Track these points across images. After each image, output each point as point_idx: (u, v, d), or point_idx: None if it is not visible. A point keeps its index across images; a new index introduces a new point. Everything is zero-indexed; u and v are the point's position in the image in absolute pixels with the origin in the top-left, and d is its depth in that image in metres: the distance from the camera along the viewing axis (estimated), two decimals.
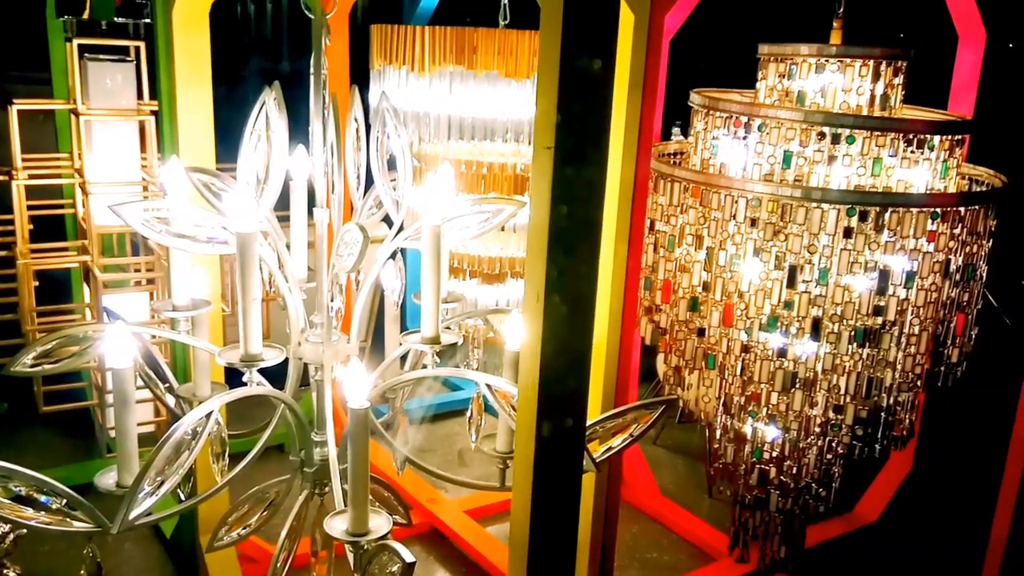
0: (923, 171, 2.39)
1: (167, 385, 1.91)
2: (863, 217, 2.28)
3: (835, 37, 2.57)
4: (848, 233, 2.29)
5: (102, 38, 3.58)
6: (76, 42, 3.53)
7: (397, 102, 3.30)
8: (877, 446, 2.52)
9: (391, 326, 2.08)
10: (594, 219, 1.21)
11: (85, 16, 3.43)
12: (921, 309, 2.38)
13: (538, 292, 1.16)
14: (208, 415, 1.50)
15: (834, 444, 2.57)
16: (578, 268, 1.17)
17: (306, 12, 2.01)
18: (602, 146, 1.22)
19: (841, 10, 2.54)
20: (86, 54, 3.60)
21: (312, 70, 1.95)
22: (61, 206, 4.23)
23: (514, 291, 3.58)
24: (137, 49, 3.64)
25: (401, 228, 1.92)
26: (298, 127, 1.91)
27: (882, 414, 2.49)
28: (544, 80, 1.16)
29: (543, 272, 1.14)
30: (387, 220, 1.95)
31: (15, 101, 3.66)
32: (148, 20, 3.39)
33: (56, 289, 4.54)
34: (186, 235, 1.74)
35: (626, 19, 2.21)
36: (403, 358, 2.01)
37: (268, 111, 1.88)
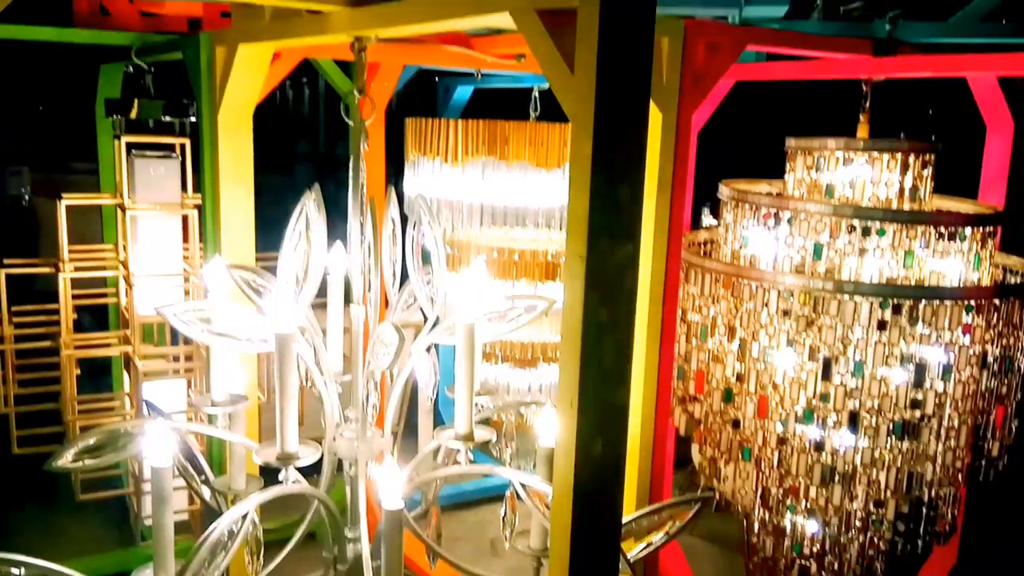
0: (956, 262, 2.39)
1: (203, 477, 1.93)
2: (897, 310, 2.28)
3: (862, 131, 2.61)
4: (882, 326, 2.28)
5: (149, 135, 3.72)
6: (124, 140, 3.68)
7: (430, 190, 3.38)
8: (919, 541, 2.46)
9: (424, 418, 2.10)
10: (626, 324, 1.23)
11: (133, 115, 3.57)
12: (959, 402, 2.35)
13: (572, 398, 1.17)
14: (244, 516, 1.51)
15: (876, 539, 2.51)
16: (612, 375, 1.19)
17: (345, 118, 2.09)
18: (633, 252, 1.25)
19: (867, 104, 2.58)
20: (133, 151, 3.74)
21: (351, 173, 2.02)
22: (104, 295, 4.33)
23: (546, 376, 3.58)
24: (182, 146, 3.78)
25: (436, 322, 1.95)
26: (335, 210, 1.95)
27: (924, 509, 2.43)
28: (575, 190, 1.20)
29: (577, 378, 1.16)
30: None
31: (64, 196, 3.80)
32: (193, 119, 3.52)
33: (96, 373, 4.61)
34: (226, 334, 1.78)
35: (655, 118, 2.26)
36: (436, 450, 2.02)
37: (308, 212, 1.94)
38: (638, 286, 1.30)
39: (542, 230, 3.43)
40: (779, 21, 2.47)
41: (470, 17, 1.48)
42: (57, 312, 3.85)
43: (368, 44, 1.90)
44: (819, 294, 2.35)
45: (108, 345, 3.92)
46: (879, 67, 2.55)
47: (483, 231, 3.45)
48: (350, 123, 2.06)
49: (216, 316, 1.76)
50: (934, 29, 2.66)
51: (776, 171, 2.84)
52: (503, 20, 1.44)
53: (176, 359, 3.88)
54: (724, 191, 2.76)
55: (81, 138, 5.23)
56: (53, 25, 3.55)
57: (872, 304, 2.28)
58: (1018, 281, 2.59)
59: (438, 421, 2.10)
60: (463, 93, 5.44)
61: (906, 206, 2.51)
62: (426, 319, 1.97)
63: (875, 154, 2.48)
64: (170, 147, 3.80)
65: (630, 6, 1.19)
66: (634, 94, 1.21)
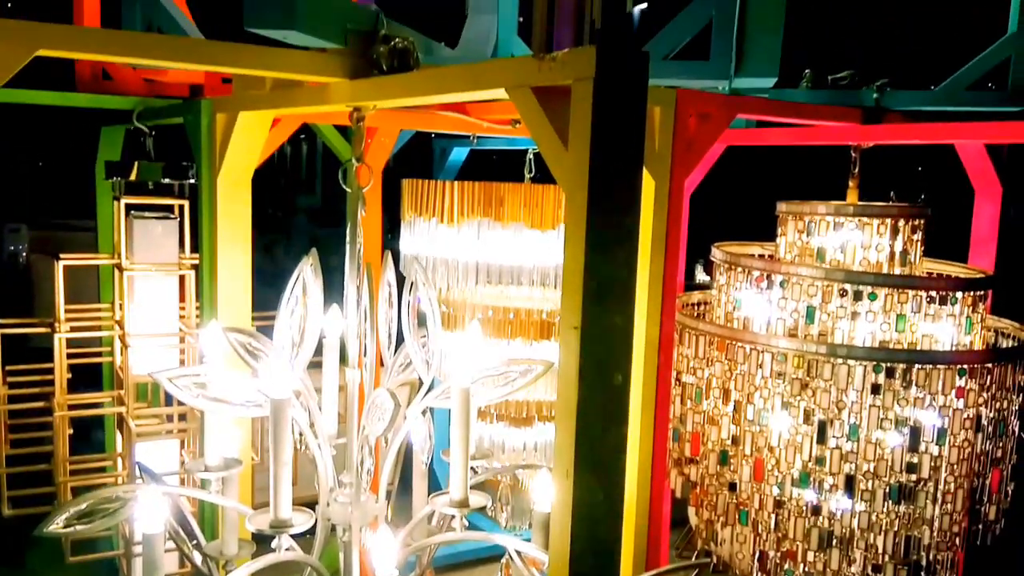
0: (948, 326, 2.41)
1: (195, 542, 1.91)
2: (890, 373, 2.29)
3: (852, 196, 2.65)
4: (876, 389, 2.29)
5: (148, 197, 3.75)
6: (123, 201, 3.71)
7: (426, 250, 3.41)
8: None
9: (419, 481, 2.09)
10: (621, 393, 1.24)
11: (132, 178, 3.61)
12: (955, 466, 2.35)
13: (567, 469, 1.18)
14: None
15: None
16: (609, 443, 1.19)
17: (342, 185, 2.12)
18: (627, 323, 1.27)
19: (856, 170, 2.62)
20: (132, 211, 3.78)
21: (348, 238, 2.04)
22: (99, 354, 4.32)
23: (542, 434, 3.57)
24: (181, 207, 3.81)
25: (432, 386, 1.95)
26: (331, 264, 1.97)
27: (921, 573, 2.41)
28: (570, 263, 1.22)
29: (572, 450, 1.16)
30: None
31: (62, 256, 3.82)
32: (192, 181, 3.56)
33: (89, 432, 4.58)
34: (221, 399, 1.78)
35: (648, 184, 2.30)
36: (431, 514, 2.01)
37: (305, 277, 1.96)
38: (632, 353, 1.32)
39: (537, 288, 3.45)
40: (768, 91, 2.53)
41: (467, 92, 1.52)
42: (51, 371, 3.84)
43: (367, 114, 1.94)
44: (813, 357, 2.36)
45: (101, 405, 3.90)
46: (868, 134, 2.61)
47: (478, 289, 3.47)
48: (348, 189, 2.09)
49: (211, 381, 1.77)
50: (921, 98, 2.73)
51: (766, 221, 2.87)
52: (498, 94, 1.48)
53: (170, 419, 3.87)
54: (717, 254, 2.79)
55: (80, 197, 5.28)
56: (56, 89, 3.60)
57: (866, 368, 2.30)
58: (1010, 344, 2.61)
59: (433, 481, 2.09)
60: (459, 154, 5.51)
61: (897, 270, 2.54)
62: (421, 383, 1.97)
63: (865, 219, 2.51)
64: (169, 208, 3.84)
65: (623, 85, 1.23)
66: (628, 170, 1.24)
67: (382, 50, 1.76)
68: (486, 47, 2.76)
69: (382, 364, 2.08)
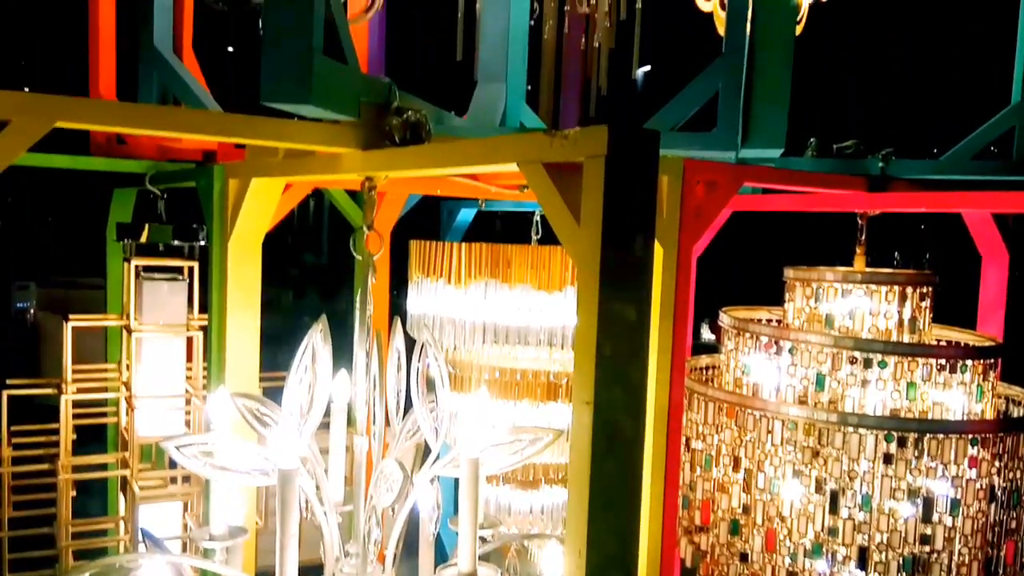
0: (958, 394, 2.39)
1: None
2: (902, 443, 2.27)
3: (859, 262, 2.66)
4: (888, 459, 2.27)
5: (158, 258, 3.78)
6: (133, 263, 3.74)
7: (432, 309, 3.41)
8: None
9: (426, 550, 2.06)
10: (635, 471, 1.23)
11: (143, 240, 3.64)
12: (969, 537, 2.32)
13: (580, 548, 1.17)
14: None
15: None
16: (622, 523, 1.18)
17: (352, 252, 2.14)
18: (640, 398, 1.27)
19: (863, 237, 2.64)
20: (142, 273, 3.80)
21: (358, 305, 2.05)
22: (104, 414, 4.31)
23: (549, 498, 3.53)
24: (191, 269, 3.84)
25: (439, 455, 1.94)
26: (339, 325, 1.97)
27: None
28: (582, 342, 1.22)
29: (584, 530, 1.15)
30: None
31: (71, 317, 3.83)
32: (203, 243, 3.59)
33: (90, 490, 4.54)
34: (228, 467, 1.78)
35: (656, 252, 2.31)
36: None
37: (314, 344, 1.96)
38: (645, 426, 1.31)
39: (544, 348, 3.45)
40: (774, 159, 2.55)
41: (479, 166, 1.54)
42: (57, 432, 3.83)
43: (378, 184, 1.96)
44: (824, 426, 2.34)
45: (106, 467, 3.88)
46: (874, 202, 2.63)
47: (485, 349, 3.47)
48: (357, 257, 2.10)
49: (218, 450, 1.76)
50: (926, 167, 2.75)
51: (771, 280, 2.87)
52: (510, 167, 1.50)
53: (174, 480, 3.84)
54: (725, 320, 2.79)
55: (89, 254, 5.31)
56: (69, 152, 3.66)
57: (877, 436, 2.28)
58: (1022, 412, 2.59)
59: (439, 549, 2.06)
60: (466, 215, 5.55)
61: (906, 337, 2.54)
62: (429, 451, 1.97)
63: (873, 286, 2.52)
64: (178, 269, 3.86)
65: (634, 162, 1.24)
66: (640, 247, 1.25)
67: (395, 122, 1.79)
68: (495, 115, 2.80)
69: (388, 421, 2.08)
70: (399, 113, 1.86)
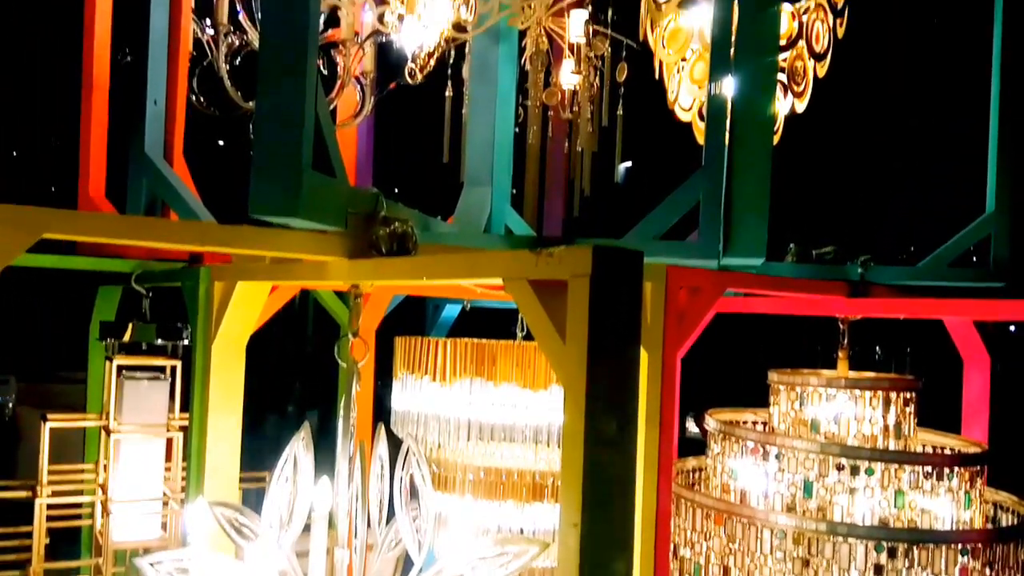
0: (946, 501, 2.38)
1: None
2: (892, 553, 2.24)
3: (842, 366, 2.67)
4: (879, 570, 2.23)
5: (141, 357, 3.75)
6: (116, 362, 3.71)
7: (417, 406, 3.38)
8: None
9: None
10: None
11: (126, 339, 3.62)
12: None
13: None
14: None
15: None
16: None
17: (337, 359, 2.13)
18: (628, 517, 1.25)
19: (845, 341, 2.66)
20: (124, 371, 3.76)
21: (341, 413, 2.03)
22: (79, 516, 4.20)
23: None
24: (173, 368, 3.81)
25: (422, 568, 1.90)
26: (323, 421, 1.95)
27: None
28: (568, 461, 1.21)
29: None
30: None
31: (49, 417, 3.78)
32: (186, 342, 3.57)
33: None
34: None
35: (642, 358, 2.31)
36: None
37: (296, 453, 1.94)
38: (633, 542, 1.29)
39: (529, 446, 3.41)
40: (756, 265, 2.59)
41: (465, 279, 1.55)
42: (30, 536, 3.73)
43: (365, 292, 1.97)
44: (813, 535, 2.31)
45: (79, 572, 3.76)
46: (856, 307, 2.66)
47: (470, 446, 3.43)
48: (342, 363, 2.10)
49: (194, 567, 1.72)
50: (904, 273, 2.80)
51: (754, 373, 2.87)
52: (495, 281, 1.51)
53: None
54: (711, 423, 2.78)
55: (71, 349, 5.26)
56: (55, 252, 3.66)
57: (867, 546, 2.25)
58: (1011, 518, 2.57)
59: None
60: (451, 311, 5.56)
61: (891, 443, 2.53)
62: (412, 563, 1.92)
63: (857, 392, 2.52)
64: (161, 368, 3.83)
65: (619, 281, 1.26)
66: (625, 365, 1.25)
67: (382, 233, 1.81)
68: (481, 218, 2.84)
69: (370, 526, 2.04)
70: (386, 223, 1.88)
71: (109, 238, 1.66)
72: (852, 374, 2.72)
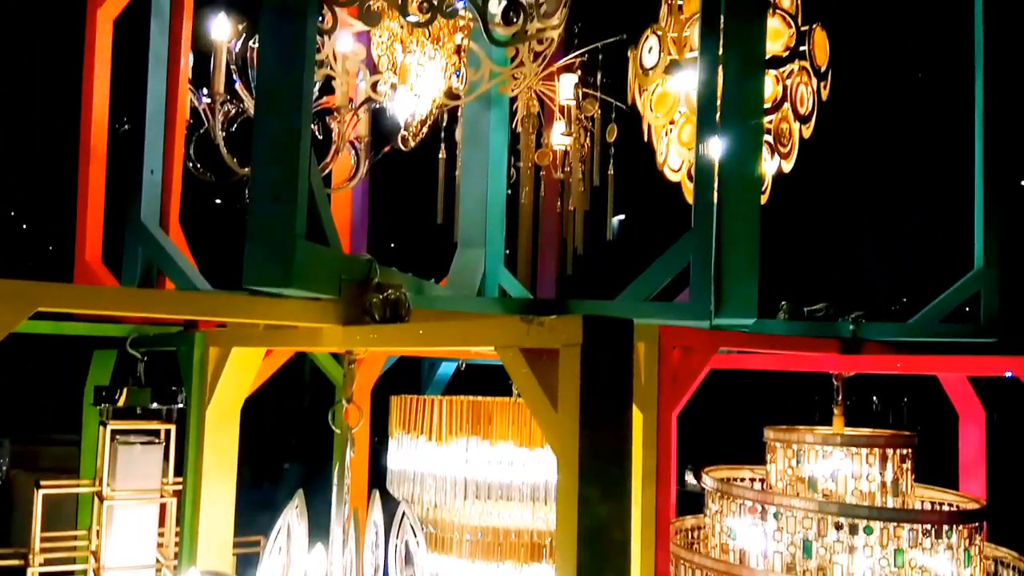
0: (945, 559, 2.36)
1: None
2: None
3: (837, 423, 2.67)
4: None
5: (135, 421, 3.73)
6: (110, 427, 3.69)
7: (413, 466, 3.36)
8: None
9: None
10: None
11: (120, 404, 3.61)
12: None
13: None
14: None
15: None
16: None
17: (331, 426, 2.13)
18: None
19: (840, 398, 2.66)
20: (117, 436, 3.74)
21: (335, 481, 2.02)
22: None
23: None
24: (168, 431, 3.79)
25: None
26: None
27: None
28: (563, 524, 1.21)
29: None
30: None
31: (42, 484, 3.74)
32: (181, 405, 3.56)
33: None
34: None
35: (636, 418, 2.32)
36: None
37: (290, 523, 1.93)
38: None
39: (527, 504, 3.38)
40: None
41: (458, 347, 1.56)
42: None
43: (359, 357, 1.98)
44: None
45: None
46: (850, 364, 2.67)
47: (467, 505, 3.40)
48: (336, 430, 2.10)
49: None
50: (896, 330, 2.81)
51: (750, 425, 2.85)
52: (487, 350, 1.52)
53: None
54: (708, 481, 2.77)
55: (66, 412, 5.23)
56: (51, 318, 3.66)
57: None
58: (1011, 574, 2.55)
59: None
60: (447, 368, 5.55)
61: (889, 500, 2.52)
62: None
63: (854, 448, 2.52)
64: (155, 432, 3.81)
65: (609, 349, 1.27)
66: (617, 431, 1.26)
67: (375, 300, 1.82)
68: (474, 280, 2.86)
69: None
70: (379, 290, 1.90)
71: (104, 310, 1.67)
72: (848, 430, 2.72)
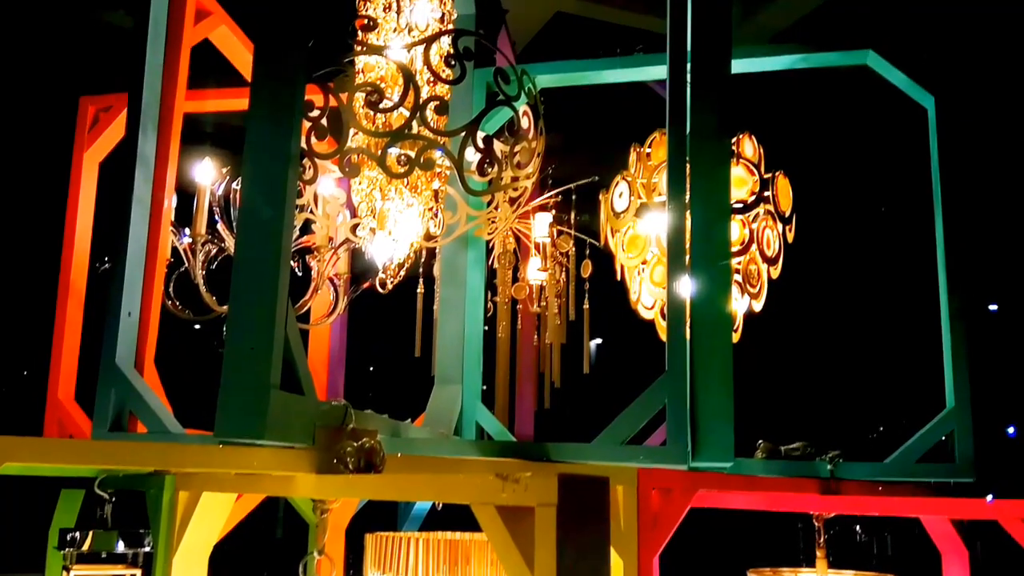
0: None
1: None
2: None
3: (820, 566, 2.63)
4: None
5: (100, 565, 3.60)
6: (73, 572, 3.55)
7: None
8: None
9: None
10: None
11: (85, 549, 3.49)
12: None
13: None
14: None
15: None
16: None
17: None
18: None
19: (822, 540, 2.62)
20: None
21: None
22: None
23: None
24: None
25: None
26: None
27: None
28: None
29: None
30: None
31: None
32: (148, 549, 3.45)
33: None
34: None
35: (616, 564, 2.27)
36: None
37: None
38: None
39: None
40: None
41: (432, 499, 1.54)
42: None
43: (331, 508, 1.95)
44: None
45: None
46: (828, 504, 2.64)
47: None
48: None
49: None
50: (873, 469, 2.81)
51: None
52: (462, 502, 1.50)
53: None
54: None
55: (32, 550, 5.04)
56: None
57: None
58: None
59: None
60: (424, 504, 5.43)
61: None
62: None
63: None
64: None
65: (584, 507, 1.26)
66: None
67: (349, 449, 1.81)
68: (451, 418, 2.85)
69: None
70: (354, 436, 1.88)
71: (73, 464, 1.64)
72: (832, 572, 2.67)
